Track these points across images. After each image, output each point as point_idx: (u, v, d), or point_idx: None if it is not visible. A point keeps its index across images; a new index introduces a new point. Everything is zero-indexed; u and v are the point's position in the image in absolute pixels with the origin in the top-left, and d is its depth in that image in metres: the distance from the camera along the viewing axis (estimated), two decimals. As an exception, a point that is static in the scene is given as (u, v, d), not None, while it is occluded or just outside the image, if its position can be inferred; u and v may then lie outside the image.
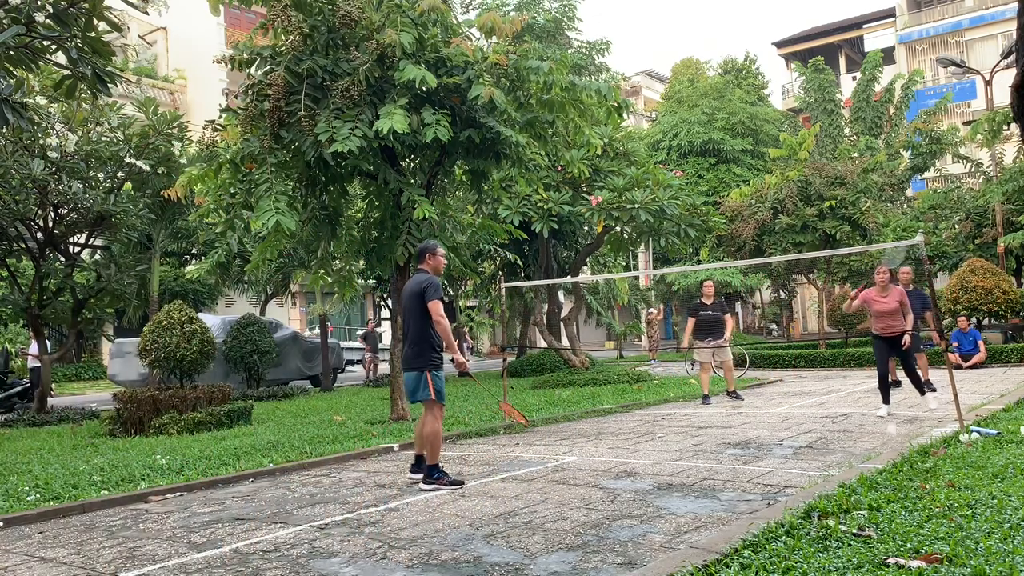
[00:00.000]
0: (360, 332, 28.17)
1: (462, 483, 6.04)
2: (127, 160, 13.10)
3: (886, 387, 9.00)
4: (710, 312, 11.23)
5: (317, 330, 21.30)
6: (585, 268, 26.04)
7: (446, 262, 6.60)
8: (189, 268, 20.46)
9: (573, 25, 20.58)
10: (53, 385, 19.23)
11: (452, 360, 6.33)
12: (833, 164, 20.92)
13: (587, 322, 32.70)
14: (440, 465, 6.09)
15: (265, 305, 21.66)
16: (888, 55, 38.34)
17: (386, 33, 8.59)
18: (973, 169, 25.57)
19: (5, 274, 13.50)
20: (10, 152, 11.60)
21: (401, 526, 4.84)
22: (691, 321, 11.24)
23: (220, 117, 10.01)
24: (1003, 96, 25.39)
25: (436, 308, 6.04)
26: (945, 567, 3.23)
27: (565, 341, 18.06)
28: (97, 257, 15.26)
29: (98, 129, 13.20)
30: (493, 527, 4.67)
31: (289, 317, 30.21)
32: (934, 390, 9.80)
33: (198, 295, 22.63)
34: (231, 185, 9.97)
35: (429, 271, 6.32)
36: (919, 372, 9.28)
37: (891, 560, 3.32)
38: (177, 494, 6.35)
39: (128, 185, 14.07)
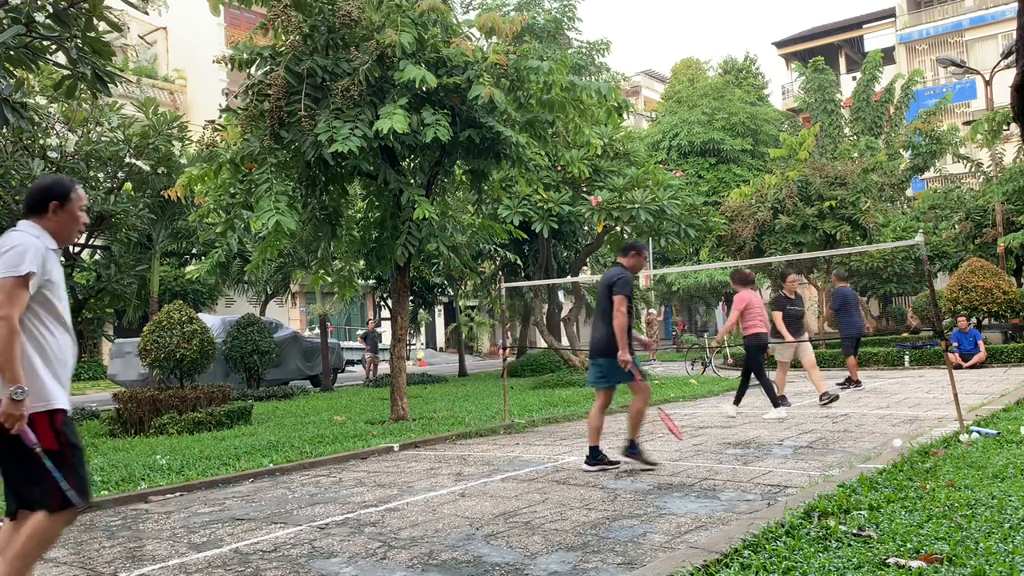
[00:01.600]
0: (360, 332, 28.17)
1: (656, 465, 6.38)
2: (127, 160, 13.10)
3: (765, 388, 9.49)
4: (796, 307, 10.69)
5: (317, 330, 21.31)
6: (585, 268, 26.04)
7: (645, 265, 6.78)
8: (189, 268, 20.46)
9: (573, 25, 20.56)
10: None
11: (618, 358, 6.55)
12: (833, 164, 20.91)
13: (587, 322, 32.59)
14: (637, 441, 6.47)
15: (265, 305, 21.67)
16: (888, 55, 38.31)
17: (386, 33, 8.59)
18: (973, 169, 25.55)
19: (5, 274, 13.49)
20: (10, 152, 11.60)
21: (401, 526, 4.84)
22: (779, 315, 10.53)
23: (220, 117, 10.01)
24: (1003, 96, 25.34)
25: (620, 302, 6.31)
26: (945, 567, 3.23)
27: (565, 341, 18.06)
28: (97, 257, 15.26)
29: (98, 129, 13.20)
30: (493, 527, 4.67)
31: (289, 317, 30.21)
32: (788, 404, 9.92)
33: (198, 295, 22.63)
34: (231, 185, 9.97)
35: (627, 267, 6.57)
36: (773, 383, 9.62)
37: (891, 560, 3.32)
38: (177, 494, 6.35)
39: (128, 185, 14.07)
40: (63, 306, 3.32)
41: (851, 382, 12.15)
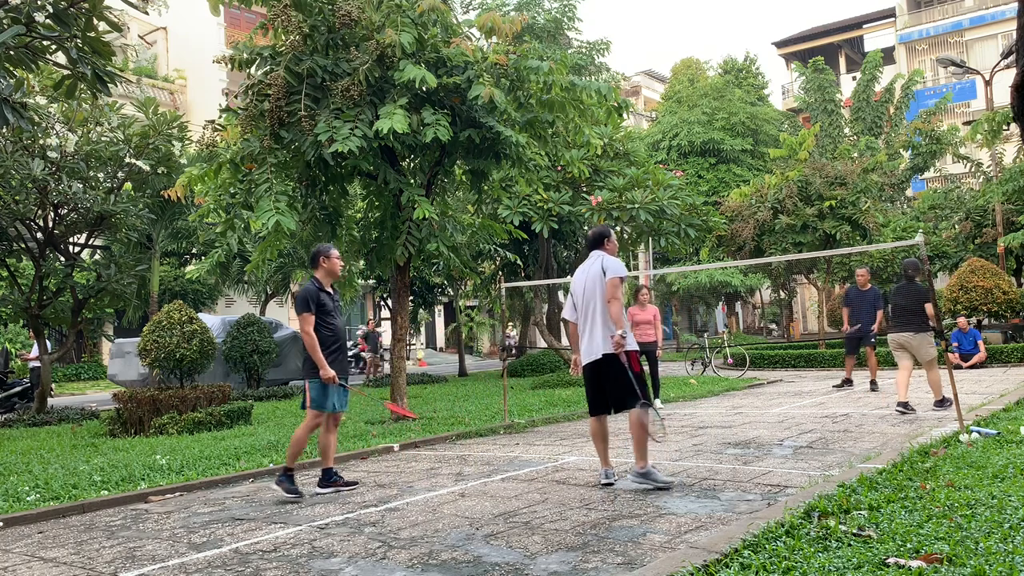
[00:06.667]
0: (360, 332, 28.16)
1: None
2: (127, 160, 13.09)
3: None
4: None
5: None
6: (585, 268, 25.90)
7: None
8: (189, 268, 20.49)
9: (573, 25, 20.55)
10: (53, 385, 19.23)
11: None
12: (833, 164, 20.89)
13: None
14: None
15: (265, 305, 21.68)
16: (888, 55, 38.34)
17: (386, 33, 8.59)
18: (973, 169, 25.56)
19: (5, 274, 13.49)
20: (10, 152, 11.60)
21: (401, 526, 4.84)
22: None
23: (220, 117, 10.01)
24: (1003, 96, 25.37)
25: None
26: (945, 567, 3.23)
27: (565, 341, 18.05)
28: (97, 257, 15.26)
29: (98, 129, 13.19)
30: (493, 527, 4.67)
31: (289, 317, 30.20)
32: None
33: (198, 295, 22.65)
34: (231, 185, 9.97)
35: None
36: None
37: (891, 560, 3.32)
38: (177, 494, 6.35)
39: (128, 185, 14.06)
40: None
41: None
